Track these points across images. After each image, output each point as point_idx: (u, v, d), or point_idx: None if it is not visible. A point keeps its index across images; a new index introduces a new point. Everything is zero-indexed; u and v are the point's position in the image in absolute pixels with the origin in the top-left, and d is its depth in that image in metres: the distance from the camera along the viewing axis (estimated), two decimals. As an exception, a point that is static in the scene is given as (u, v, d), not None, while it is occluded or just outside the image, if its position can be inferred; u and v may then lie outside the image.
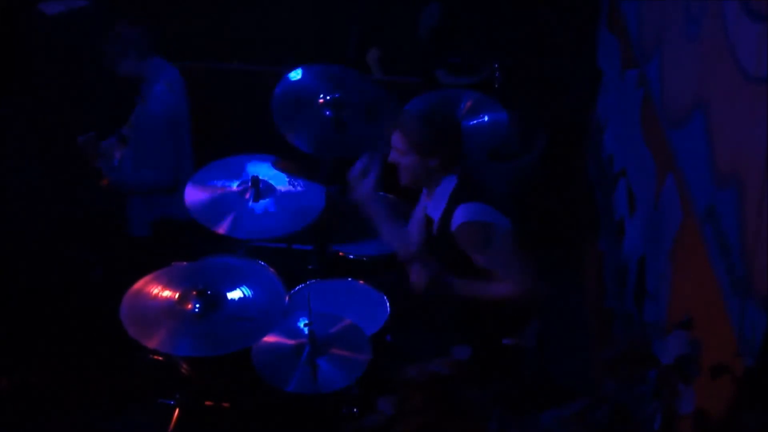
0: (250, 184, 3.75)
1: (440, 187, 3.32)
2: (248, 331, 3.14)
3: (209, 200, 3.75)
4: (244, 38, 5.67)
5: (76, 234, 4.42)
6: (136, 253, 4.37)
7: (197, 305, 3.15)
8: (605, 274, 4.06)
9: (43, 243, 4.38)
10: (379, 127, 3.83)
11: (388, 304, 3.48)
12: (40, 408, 3.83)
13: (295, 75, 4.09)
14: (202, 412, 3.36)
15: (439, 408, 3.03)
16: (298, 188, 3.85)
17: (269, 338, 3.18)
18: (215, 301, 3.18)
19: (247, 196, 3.75)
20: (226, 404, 3.34)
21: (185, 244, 4.15)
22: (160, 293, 3.22)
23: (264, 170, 3.88)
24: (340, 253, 3.88)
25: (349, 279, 3.66)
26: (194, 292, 3.17)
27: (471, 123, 4.08)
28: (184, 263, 3.56)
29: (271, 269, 3.59)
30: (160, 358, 3.34)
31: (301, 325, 3.18)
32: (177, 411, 3.36)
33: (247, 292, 3.27)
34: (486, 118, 4.13)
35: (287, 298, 3.45)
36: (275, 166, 3.93)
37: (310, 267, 3.93)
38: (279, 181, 3.86)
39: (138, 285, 3.24)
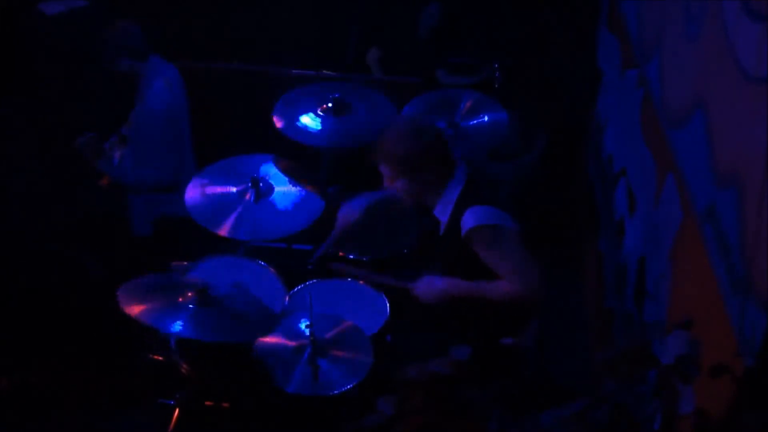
0: (250, 185, 3.75)
1: (447, 193, 3.30)
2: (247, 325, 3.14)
3: (210, 202, 3.75)
4: (244, 38, 5.67)
5: (76, 234, 4.42)
6: (137, 252, 4.37)
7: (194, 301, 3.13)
8: (605, 274, 4.06)
9: (43, 243, 4.38)
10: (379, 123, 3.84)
11: (387, 304, 3.49)
12: (40, 408, 3.83)
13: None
14: (202, 412, 3.35)
15: (439, 408, 3.03)
16: (299, 189, 3.85)
17: (270, 339, 3.18)
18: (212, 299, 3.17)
19: (248, 197, 3.75)
20: (226, 404, 3.34)
21: (186, 242, 4.15)
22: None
23: (264, 170, 3.88)
24: (340, 253, 3.88)
25: (349, 279, 3.66)
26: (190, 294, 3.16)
27: (471, 123, 4.08)
28: (184, 263, 3.56)
29: (271, 269, 3.60)
30: (160, 358, 3.34)
31: (302, 326, 3.18)
32: (177, 411, 3.36)
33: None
34: (486, 118, 4.13)
35: (287, 298, 3.45)
36: (275, 165, 3.93)
37: (310, 267, 3.93)
38: (279, 181, 3.86)
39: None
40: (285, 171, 3.90)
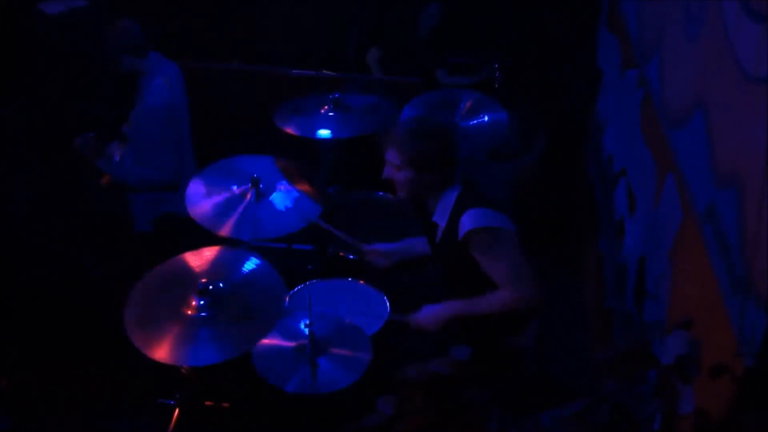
0: (250, 185, 3.75)
1: (444, 196, 3.29)
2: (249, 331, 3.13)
3: (210, 203, 3.75)
4: (244, 38, 5.67)
5: (76, 233, 4.43)
6: (138, 251, 4.37)
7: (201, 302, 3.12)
8: (605, 274, 4.06)
9: (43, 243, 4.38)
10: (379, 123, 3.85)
11: (387, 304, 3.49)
12: (40, 408, 3.83)
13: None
14: (202, 412, 3.36)
15: (439, 408, 3.03)
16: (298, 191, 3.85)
17: (270, 339, 3.18)
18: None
19: (248, 197, 3.75)
20: (226, 404, 3.34)
21: (187, 240, 4.15)
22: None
23: (264, 170, 3.88)
24: (340, 253, 3.88)
25: (349, 279, 3.66)
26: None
27: (471, 123, 4.08)
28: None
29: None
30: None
31: (302, 325, 3.18)
32: (177, 411, 3.36)
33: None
34: (486, 118, 4.13)
35: (287, 298, 3.45)
36: (275, 165, 3.93)
37: (310, 267, 3.94)
38: (280, 181, 3.86)
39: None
40: (285, 171, 3.90)
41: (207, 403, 3.35)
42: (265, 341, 3.17)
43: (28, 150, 4.71)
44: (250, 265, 3.28)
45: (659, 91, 3.40)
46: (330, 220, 3.75)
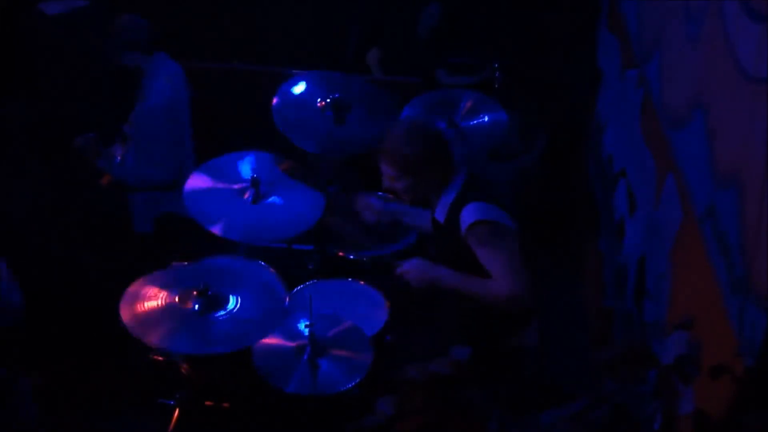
0: (250, 185, 3.74)
1: (445, 193, 3.30)
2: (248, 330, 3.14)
3: (209, 201, 3.74)
4: (244, 38, 5.67)
5: (76, 233, 4.42)
6: (138, 251, 4.37)
7: (197, 305, 3.15)
8: (605, 274, 4.06)
9: (43, 242, 4.38)
10: (379, 126, 3.83)
11: (387, 304, 3.48)
12: (41, 408, 3.82)
13: (297, 87, 4.08)
14: (202, 412, 3.36)
15: (439, 408, 3.04)
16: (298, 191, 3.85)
17: (270, 339, 3.18)
18: (216, 302, 3.18)
19: (246, 196, 3.74)
20: (226, 404, 3.34)
21: (188, 240, 4.15)
22: (159, 294, 3.21)
23: (265, 170, 3.87)
24: (340, 253, 3.88)
25: (350, 279, 3.66)
26: (195, 293, 3.16)
27: (471, 123, 4.08)
28: (184, 263, 3.56)
29: (272, 269, 3.59)
30: (160, 358, 3.34)
31: (302, 326, 3.18)
32: (177, 411, 3.36)
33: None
34: (486, 118, 4.12)
35: (287, 299, 3.45)
36: (275, 165, 3.92)
37: (310, 267, 3.93)
38: (279, 181, 3.85)
39: (135, 287, 3.23)
40: (285, 171, 3.89)
41: (207, 403, 3.35)
42: (266, 341, 3.17)
43: (28, 150, 4.70)
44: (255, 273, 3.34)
45: (659, 91, 3.40)
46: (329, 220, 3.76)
